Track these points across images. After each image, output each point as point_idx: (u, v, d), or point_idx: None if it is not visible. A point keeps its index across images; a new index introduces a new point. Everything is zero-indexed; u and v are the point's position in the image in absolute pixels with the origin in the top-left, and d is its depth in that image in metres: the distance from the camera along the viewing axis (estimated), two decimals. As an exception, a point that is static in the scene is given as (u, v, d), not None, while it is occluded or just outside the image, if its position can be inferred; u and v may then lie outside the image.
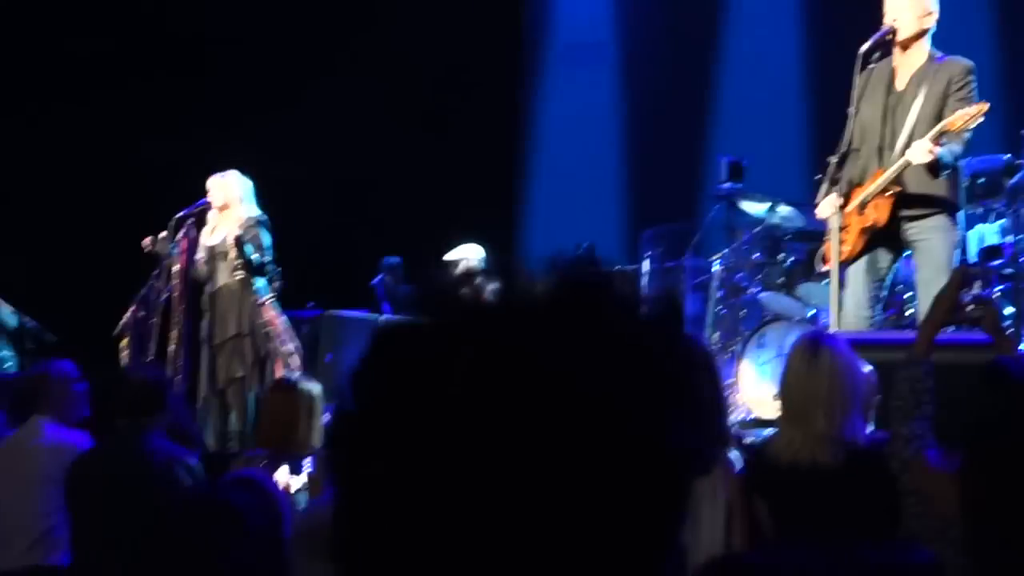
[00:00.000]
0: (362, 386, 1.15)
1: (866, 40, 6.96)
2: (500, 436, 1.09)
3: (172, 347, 9.09)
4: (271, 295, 9.10)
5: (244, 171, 9.54)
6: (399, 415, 1.10)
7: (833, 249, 6.93)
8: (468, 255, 10.96)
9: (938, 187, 6.85)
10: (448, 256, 11.00)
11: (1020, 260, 8.26)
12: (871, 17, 7.28)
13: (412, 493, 1.09)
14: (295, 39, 14.13)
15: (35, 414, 6.36)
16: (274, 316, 9.05)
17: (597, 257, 1.28)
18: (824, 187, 6.93)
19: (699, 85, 13.55)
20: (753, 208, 9.80)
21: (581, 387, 1.11)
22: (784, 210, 9.62)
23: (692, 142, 13.32)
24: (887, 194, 6.87)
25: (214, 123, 13.53)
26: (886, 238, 6.99)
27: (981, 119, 6.69)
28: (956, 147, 6.79)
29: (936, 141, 6.66)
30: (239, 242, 9.02)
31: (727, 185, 10.05)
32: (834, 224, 6.89)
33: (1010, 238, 8.50)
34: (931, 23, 7.03)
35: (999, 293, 8.52)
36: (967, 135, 6.83)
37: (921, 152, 6.63)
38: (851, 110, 6.93)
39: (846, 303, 7.02)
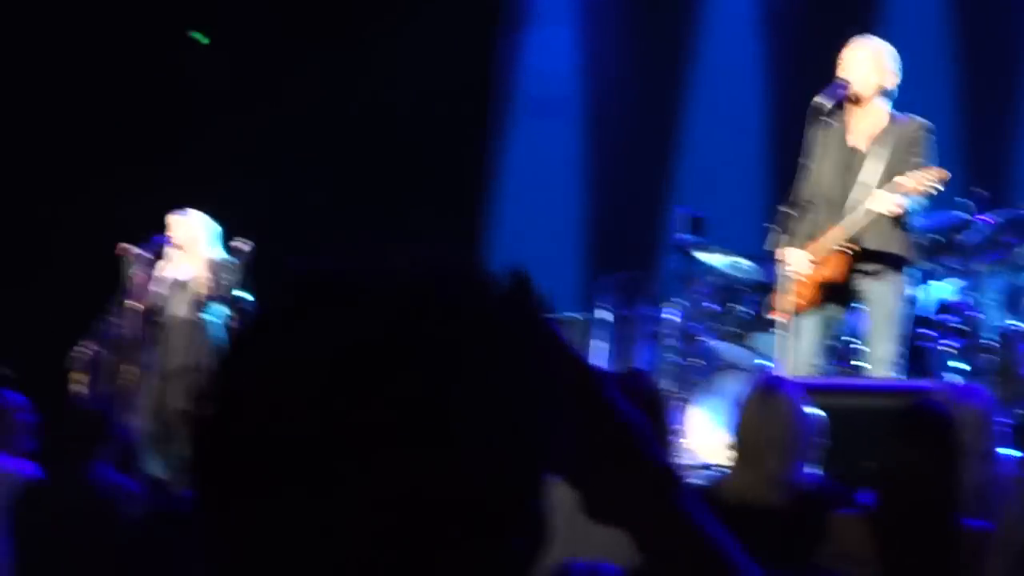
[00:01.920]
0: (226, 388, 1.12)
1: (822, 95, 7.04)
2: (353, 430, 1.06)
3: (125, 380, 9.05)
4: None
5: (206, 210, 9.54)
6: (264, 416, 1.07)
7: (786, 298, 6.99)
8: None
9: (894, 245, 6.92)
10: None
11: (973, 316, 8.33)
12: (830, 72, 7.36)
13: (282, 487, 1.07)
14: (253, 72, 14.12)
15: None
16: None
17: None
18: (777, 236, 6.99)
19: (660, 137, 13.63)
20: (709, 259, 9.87)
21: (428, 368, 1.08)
22: (740, 261, 9.70)
23: (651, 193, 13.39)
24: (842, 251, 6.93)
25: (178, 161, 13.52)
26: (838, 291, 7.05)
27: (941, 187, 6.76)
28: (921, 200, 6.87)
29: (900, 193, 6.72)
30: (216, 280, 9.04)
31: (684, 236, 10.11)
32: (786, 274, 6.94)
33: (958, 295, 8.58)
34: (891, 83, 7.11)
35: (951, 349, 8.59)
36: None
37: (885, 201, 6.68)
38: (806, 162, 6.99)
39: (797, 353, 7.07)
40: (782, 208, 7.00)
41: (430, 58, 13.92)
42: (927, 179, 6.71)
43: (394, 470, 1.06)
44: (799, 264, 7.02)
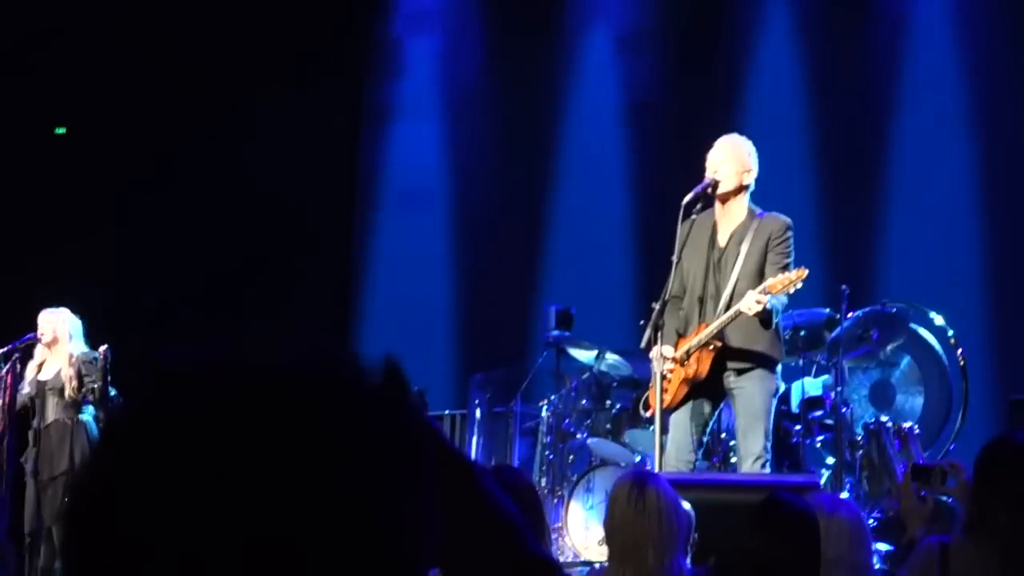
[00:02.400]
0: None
1: (688, 192, 7.16)
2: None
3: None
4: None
5: (73, 308, 9.43)
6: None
7: (656, 394, 7.06)
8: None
9: (759, 342, 7.04)
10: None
11: (841, 411, 8.46)
12: (695, 169, 7.49)
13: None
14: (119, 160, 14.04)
15: None
16: None
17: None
18: (648, 332, 7.06)
19: (529, 232, 13.72)
20: (581, 355, 9.95)
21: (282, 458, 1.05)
22: (611, 358, 9.78)
23: (521, 288, 13.45)
24: (709, 348, 7.03)
25: (43, 254, 13.36)
26: (707, 388, 7.14)
27: (800, 285, 6.91)
28: (783, 298, 7.00)
29: (763, 293, 6.84)
30: (79, 375, 8.92)
31: (555, 332, 10.17)
32: (657, 370, 7.01)
33: (826, 390, 8.71)
34: (750, 179, 7.25)
35: (820, 443, 8.72)
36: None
37: (751, 303, 6.79)
38: (674, 258, 7.09)
39: (668, 448, 7.14)
40: (653, 304, 7.08)
41: (297, 149, 13.95)
42: (790, 280, 6.85)
43: (256, 569, 1.03)
44: (658, 363, 7.11)
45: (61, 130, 14.59)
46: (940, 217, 11.15)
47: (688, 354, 7.08)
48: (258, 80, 14.31)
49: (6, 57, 13.95)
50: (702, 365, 7.05)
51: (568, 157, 13.81)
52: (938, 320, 9.12)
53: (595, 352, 9.82)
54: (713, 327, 7.00)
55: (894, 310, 8.96)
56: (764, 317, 6.91)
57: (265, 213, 14.24)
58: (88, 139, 14.19)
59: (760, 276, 7.01)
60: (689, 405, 7.15)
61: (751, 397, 7.00)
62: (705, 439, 7.30)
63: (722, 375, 7.10)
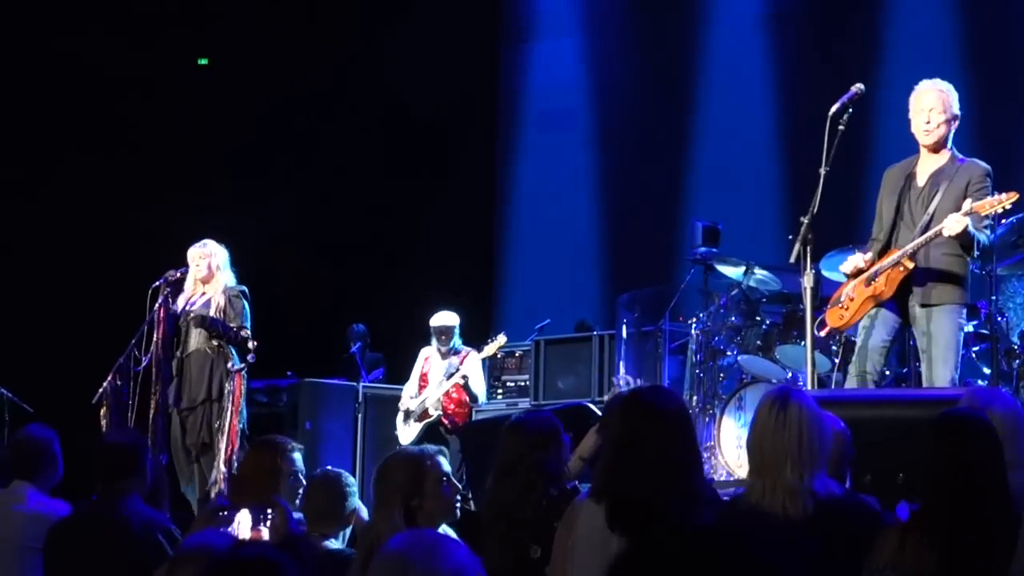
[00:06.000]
0: None
1: (834, 102, 7.04)
2: None
3: (151, 414, 9.08)
4: (243, 366, 9.10)
5: (219, 238, 9.56)
6: None
7: (837, 312, 7.05)
8: (447, 321, 11.05)
9: (951, 274, 6.93)
10: (431, 321, 11.07)
11: (996, 320, 8.32)
12: (838, 79, 7.37)
13: None
14: (265, 111, 14.22)
15: (16, 479, 6.37)
16: (239, 390, 9.06)
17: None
18: (797, 247, 6.97)
19: (673, 149, 13.65)
20: (729, 271, 9.86)
21: None
22: (760, 273, 9.69)
23: (667, 206, 13.40)
24: (899, 268, 6.94)
25: (192, 190, 13.61)
26: (891, 310, 7.05)
27: (1008, 206, 6.78)
28: (987, 233, 6.91)
29: (966, 214, 6.73)
30: (209, 322, 9.06)
31: (703, 249, 10.10)
32: (808, 285, 6.94)
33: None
34: (956, 125, 7.18)
35: (975, 354, 8.57)
36: (988, 227, 6.95)
37: (953, 223, 6.69)
38: (822, 171, 6.99)
39: (851, 371, 7.11)
40: (801, 219, 6.98)
41: (436, 71, 13.99)
42: (999, 200, 6.72)
43: None
44: (847, 265, 7.09)
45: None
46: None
47: (876, 274, 6.99)
48: (397, 3, 14.40)
49: None
50: (889, 285, 6.96)
51: (710, 71, 13.70)
52: (1097, 222, 8.88)
53: (743, 268, 9.73)
54: (909, 247, 6.90)
55: (1049, 214, 8.74)
56: (965, 241, 6.79)
57: (406, 137, 14.34)
58: (230, 71, 14.37)
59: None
60: (871, 329, 7.06)
61: (939, 327, 6.89)
62: (887, 371, 7.24)
63: (907, 300, 7.00)
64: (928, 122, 7.07)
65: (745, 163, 13.07)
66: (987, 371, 8.41)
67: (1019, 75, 11.61)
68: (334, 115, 14.39)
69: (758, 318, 9.70)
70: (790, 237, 7.08)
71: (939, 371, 6.87)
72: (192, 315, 9.20)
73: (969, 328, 7.76)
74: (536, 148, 14.79)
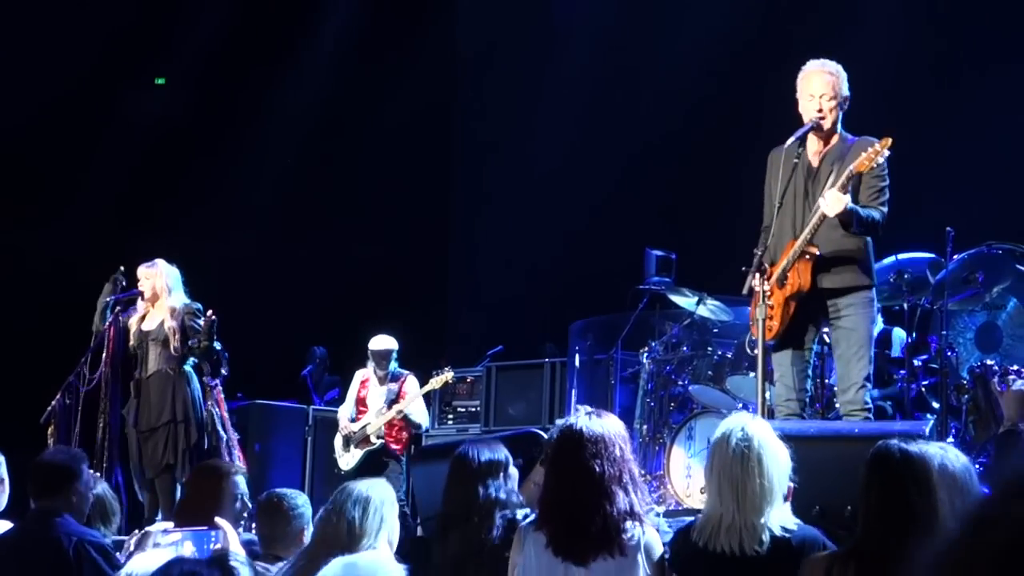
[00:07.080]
0: None
1: (788, 137, 7.04)
2: None
3: (99, 433, 9.00)
4: (217, 382, 9.07)
5: (171, 259, 9.50)
6: None
7: (760, 336, 6.97)
8: (386, 345, 10.83)
9: (849, 248, 6.89)
10: (370, 345, 10.88)
11: (946, 355, 8.35)
12: (794, 114, 7.39)
13: None
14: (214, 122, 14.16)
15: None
16: (222, 405, 9.07)
17: None
18: (749, 279, 6.96)
19: (627, 175, 13.65)
20: (682, 301, 9.88)
21: None
22: (712, 304, 9.71)
23: (622, 235, 13.39)
24: (805, 257, 6.91)
25: (139, 213, 13.54)
26: (808, 313, 7.01)
27: (887, 153, 6.74)
28: (869, 211, 6.84)
29: (844, 189, 6.70)
30: (182, 328, 9.01)
31: (656, 279, 10.12)
32: (759, 315, 6.92)
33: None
34: (846, 106, 7.16)
35: (925, 388, 8.61)
36: (883, 205, 6.88)
37: (833, 199, 6.65)
38: (776, 203, 6.99)
39: (777, 390, 7.06)
40: (755, 251, 6.98)
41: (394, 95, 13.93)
42: (876, 151, 6.69)
43: None
44: (764, 286, 7.04)
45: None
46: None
47: (785, 273, 6.96)
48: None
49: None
50: (803, 277, 6.93)
51: (667, 100, 13.71)
52: (1045, 261, 8.95)
53: (695, 298, 9.75)
54: (805, 232, 6.86)
55: (1000, 252, 8.80)
56: (845, 219, 6.73)
57: (360, 159, 14.29)
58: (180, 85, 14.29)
59: (855, 198, 6.86)
60: (791, 346, 7.05)
61: (853, 325, 6.89)
62: (808, 384, 7.20)
63: (822, 296, 6.95)
64: (820, 109, 7.04)
65: (701, 193, 13.08)
66: (936, 405, 8.45)
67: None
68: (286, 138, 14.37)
69: (710, 349, 9.74)
70: (743, 268, 7.08)
71: (854, 369, 6.87)
72: (151, 336, 9.14)
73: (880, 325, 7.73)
74: (492, 174, 14.80)
